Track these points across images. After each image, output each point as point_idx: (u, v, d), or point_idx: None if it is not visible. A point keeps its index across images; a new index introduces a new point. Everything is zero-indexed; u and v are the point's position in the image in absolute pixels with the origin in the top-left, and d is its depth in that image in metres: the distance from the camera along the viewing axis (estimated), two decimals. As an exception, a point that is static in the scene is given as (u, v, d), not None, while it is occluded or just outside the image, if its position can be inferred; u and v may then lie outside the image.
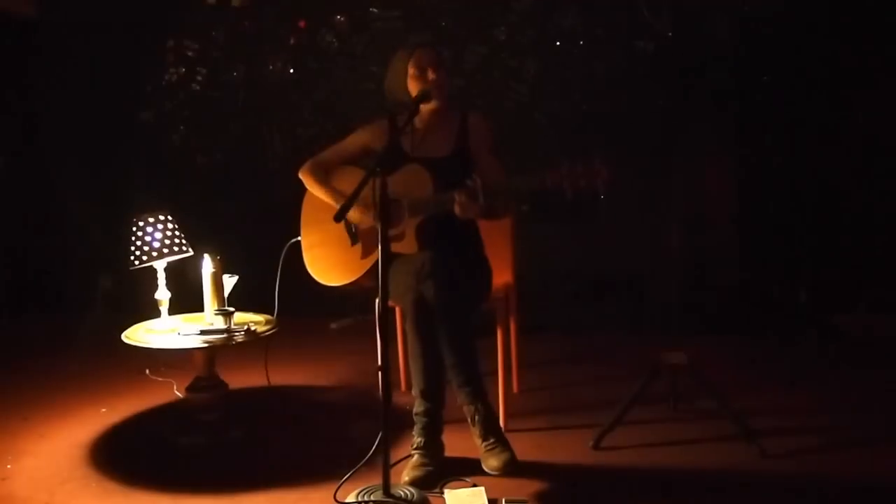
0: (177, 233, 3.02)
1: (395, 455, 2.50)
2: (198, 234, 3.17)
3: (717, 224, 4.29)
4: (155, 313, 2.97)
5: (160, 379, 3.49)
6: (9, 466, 2.63)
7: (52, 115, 5.00)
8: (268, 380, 3.06)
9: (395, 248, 2.59)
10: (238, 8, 4.71)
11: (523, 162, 3.75)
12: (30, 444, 2.83)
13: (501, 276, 2.99)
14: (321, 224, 2.78)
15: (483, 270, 2.77)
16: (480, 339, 2.52)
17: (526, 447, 2.59)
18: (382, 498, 2.21)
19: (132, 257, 2.93)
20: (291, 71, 4.73)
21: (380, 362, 2.18)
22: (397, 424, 2.68)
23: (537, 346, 3.91)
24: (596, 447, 2.65)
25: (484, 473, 2.46)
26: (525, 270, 3.22)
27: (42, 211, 5.03)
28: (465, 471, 2.46)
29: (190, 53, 4.79)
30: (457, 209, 2.45)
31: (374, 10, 4.54)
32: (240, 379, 3.24)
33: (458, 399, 2.53)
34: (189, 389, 2.86)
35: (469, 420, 2.53)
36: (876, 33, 4.02)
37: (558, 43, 4.40)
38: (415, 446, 2.50)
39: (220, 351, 2.85)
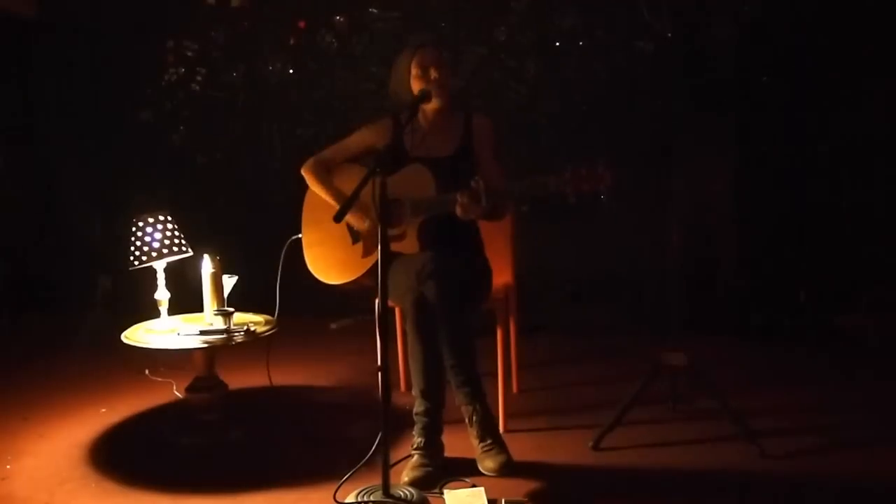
0: (176, 233, 3.02)
1: (395, 455, 2.50)
2: (197, 234, 3.17)
3: (717, 224, 4.29)
4: (154, 313, 2.97)
5: (160, 379, 3.49)
6: (8, 466, 2.63)
7: (51, 115, 5.00)
8: (269, 379, 3.06)
9: (396, 247, 2.59)
10: (238, 8, 4.71)
11: (523, 162, 3.77)
12: (29, 443, 2.83)
13: (501, 276, 2.99)
14: (322, 222, 2.78)
15: (483, 271, 2.77)
16: (480, 339, 2.52)
17: (525, 447, 2.59)
18: (382, 498, 2.21)
19: (132, 257, 2.94)
20: (291, 71, 4.73)
21: (379, 362, 2.18)
22: (397, 425, 2.68)
23: (537, 346, 3.91)
24: (596, 447, 2.65)
25: (483, 474, 2.45)
26: (525, 271, 3.22)
27: (42, 211, 5.03)
28: (465, 471, 2.46)
29: (190, 53, 4.79)
30: (458, 210, 2.46)
31: (374, 10, 4.54)
32: (239, 379, 3.24)
33: (456, 399, 2.53)
34: (189, 390, 2.86)
35: (467, 420, 2.53)
36: (876, 33, 4.02)
37: (558, 43, 4.40)
38: (414, 446, 2.50)
39: (220, 351, 2.85)
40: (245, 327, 2.77)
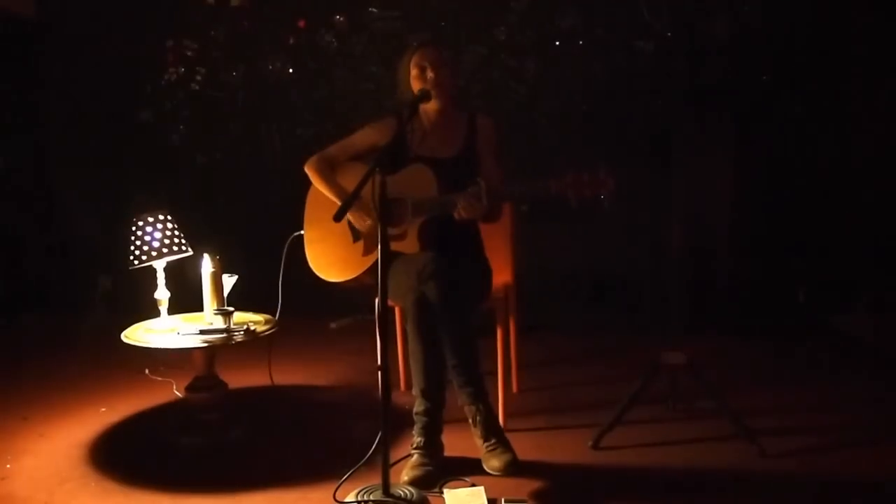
0: (176, 232, 3.02)
1: (395, 455, 2.50)
2: (197, 233, 3.17)
3: (716, 224, 4.29)
4: (154, 313, 2.97)
5: (159, 379, 3.49)
6: (8, 466, 2.62)
7: (51, 114, 5.00)
8: (271, 379, 3.05)
9: (397, 247, 2.59)
10: (237, 8, 4.71)
11: (523, 162, 3.76)
12: (29, 443, 2.83)
13: (501, 276, 3.00)
14: (324, 220, 2.78)
15: (484, 270, 2.77)
16: (480, 339, 2.52)
17: (525, 447, 2.59)
18: (382, 497, 2.21)
19: (132, 257, 2.94)
20: (291, 71, 4.73)
21: (379, 362, 2.18)
22: (397, 424, 2.68)
23: (537, 346, 3.92)
24: (595, 447, 2.66)
25: (483, 473, 2.46)
26: (524, 270, 3.22)
27: (41, 210, 5.03)
28: (465, 470, 2.46)
29: (189, 53, 4.79)
30: (459, 211, 2.46)
31: (374, 10, 4.54)
32: (239, 379, 3.24)
33: (458, 399, 2.53)
34: (188, 389, 2.86)
35: (470, 420, 2.54)
36: (875, 32, 4.03)
37: (558, 43, 4.40)
38: (414, 446, 2.50)
39: (220, 350, 2.85)
40: (245, 327, 2.77)
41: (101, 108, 4.89)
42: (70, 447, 2.78)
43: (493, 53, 4.43)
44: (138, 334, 2.81)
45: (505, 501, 2.25)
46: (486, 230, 2.85)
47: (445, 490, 2.33)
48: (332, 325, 4.46)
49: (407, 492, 2.28)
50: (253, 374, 3.45)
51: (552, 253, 4.23)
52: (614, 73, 4.31)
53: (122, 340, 2.77)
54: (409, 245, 2.63)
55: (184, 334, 2.72)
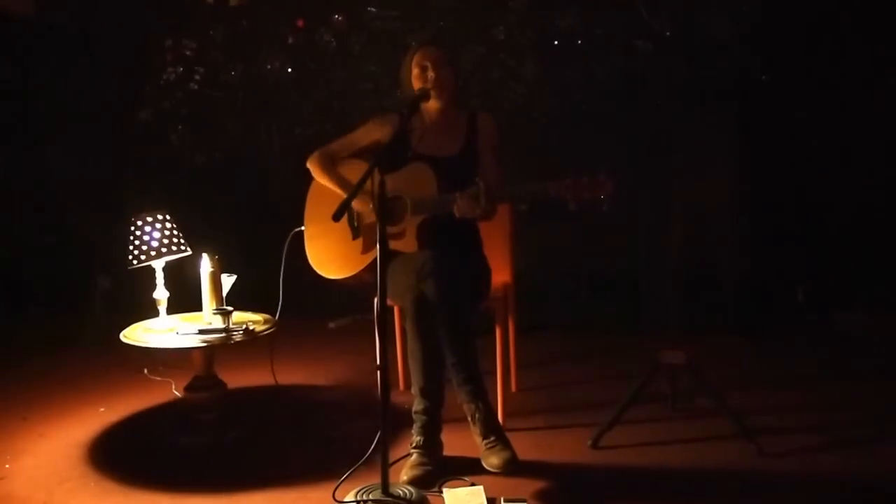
0: (175, 232, 3.02)
1: (394, 454, 2.50)
2: (196, 233, 3.17)
3: (716, 224, 4.29)
4: (153, 313, 2.97)
5: (158, 378, 3.49)
6: (7, 466, 2.62)
7: (50, 114, 4.99)
8: (274, 378, 3.05)
9: (395, 245, 2.60)
10: (236, 7, 4.70)
11: (522, 162, 3.75)
12: (28, 443, 2.83)
13: (500, 275, 3.00)
14: (324, 216, 2.77)
15: (483, 269, 2.77)
16: (479, 338, 2.52)
17: (524, 446, 2.59)
18: (381, 497, 2.21)
19: (130, 257, 2.94)
20: (290, 70, 4.73)
21: (378, 361, 2.18)
22: (396, 423, 2.68)
23: (536, 345, 3.91)
24: (594, 446, 2.66)
25: (483, 472, 2.46)
26: (524, 269, 3.22)
27: (40, 210, 5.03)
28: (464, 470, 2.46)
29: (188, 53, 4.78)
30: (456, 210, 2.46)
31: (373, 9, 4.54)
32: (238, 378, 3.24)
33: (458, 398, 2.54)
34: (187, 389, 2.86)
35: (469, 419, 2.54)
36: (875, 32, 4.03)
37: (557, 42, 4.40)
38: (414, 445, 2.50)
39: (219, 350, 2.85)
40: (244, 326, 2.77)
41: (100, 108, 4.88)
42: (69, 447, 2.78)
43: (492, 53, 4.43)
44: (137, 334, 2.81)
45: (504, 501, 2.25)
46: (485, 229, 2.85)
47: (445, 489, 2.33)
48: (331, 325, 4.45)
49: (406, 491, 2.28)
50: (252, 373, 3.45)
51: (551, 252, 4.23)
52: (613, 73, 4.31)
53: (121, 340, 2.77)
54: (407, 244, 2.63)
55: (183, 334, 2.72)
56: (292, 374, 3.57)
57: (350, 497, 2.25)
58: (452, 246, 2.61)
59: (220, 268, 2.82)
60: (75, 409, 3.18)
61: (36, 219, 5.03)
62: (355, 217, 2.77)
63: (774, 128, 4.19)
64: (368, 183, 2.23)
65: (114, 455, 2.72)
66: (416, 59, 2.69)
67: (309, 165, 2.85)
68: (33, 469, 2.60)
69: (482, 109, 2.90)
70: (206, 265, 2.80)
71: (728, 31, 4.12)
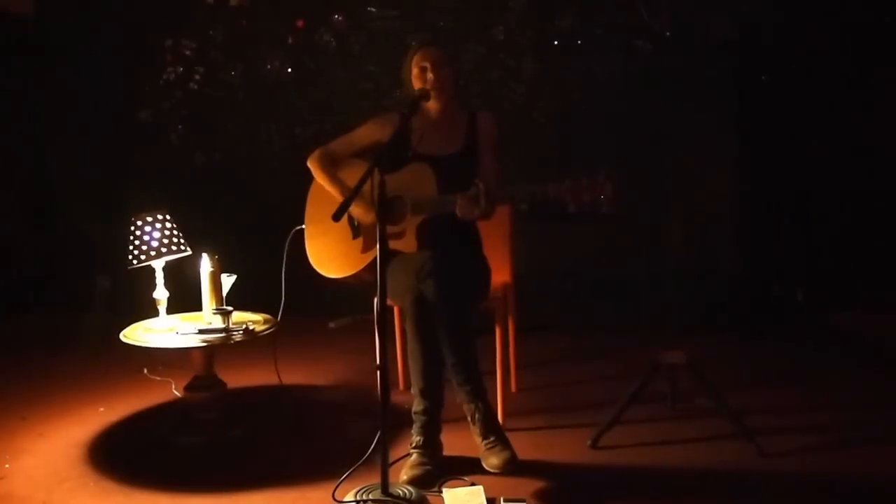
0: (175, 232, 3.02)
1: (394, 454, 2.50)
2: (196, 233, 3.17)
3: (715, 223, 4.29)
4: (153, 312, 2.97)
5: (158, 378, 3.49)
6: (7, 465, 2.62)
7: (49, 113, 5.00)
8: (279, 378, 3.05)
9: (395, 245, 2.60)
10: (236, 7, 4.71)
11: (521, 162, 3.76)
12: (28, 443, 2.83)
13: (500, 275, 3.00)
14: (325, 215, 2.77)
15: (482, 269, 2.77)
16: (478, 338, 2.52)
17: (524, 446, 2.59)
18: (381, 497, 2.21)
19: (130, 256, 2.94)
20: (289, 70, 4.73)
21: (378, 361, 2.18)
22: (396, 423, 2.68)
23: (535, 345, 3.91)
24: (594, 446, 2.66)
25: (483, 472, 2.46)
26: (523, 269, 3.22)
27: (40, 209, 5.03)
28: (464, 470, 2.46)
29: (188, 52, 4.78)
30: (457, 211, 2.46)
31: (373, 9, 4.54)
32: (238, 378, 3.24)
33: (457, 398, 2.54)
34: (187, 388, 2.86)
35: (469, 419, 2.54)
36: (874, 32, 4.03)
37: (556, 42, 4.40)
38: (413, 445, 2.50)
39: (219, 350, 2.85)
40: (244, 326, 2.77)
41: (100, 108, 4.89)
42: (69, 447, 2.78)
43: (492, 53, 4.43)
44: (137, 334, 2.81)
45: (504, 501, 2.25)
46: (485, 229, 2.85)
47: (444, 489, 2.33)
48: (331, 325, 4.46)
49: (406, 491, 2.28)
50: (252, 373, 3.45)
51: (551, 252, 4.23)
52: (613, 73, 4.31)
53: (120, 340, 2.77)
54: (407, 244, 2.63)
55: (182, 334, 2.72)
56: (292, 374, 3.56)
57: (350, 497, 2.25)
58: (452, 246, 2.61)
59: (220, 268, 2.82)
60: (75, 408, 3.18)
61: (36, 218, 5.03)
62: (355, 216, 2.77)
63: (774, 128, 4.19)
64: (368, 186, 2.23)
65: (113, 455, 2.72)
66: (415, 59, 2.70)
67: (309, 165, 2.85)
68: (33, 468, 2.60)
69: (482, 109, 2.90)
70: (205, 265, 2.80)
71: (727, 31, 4.12)
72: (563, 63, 4.38)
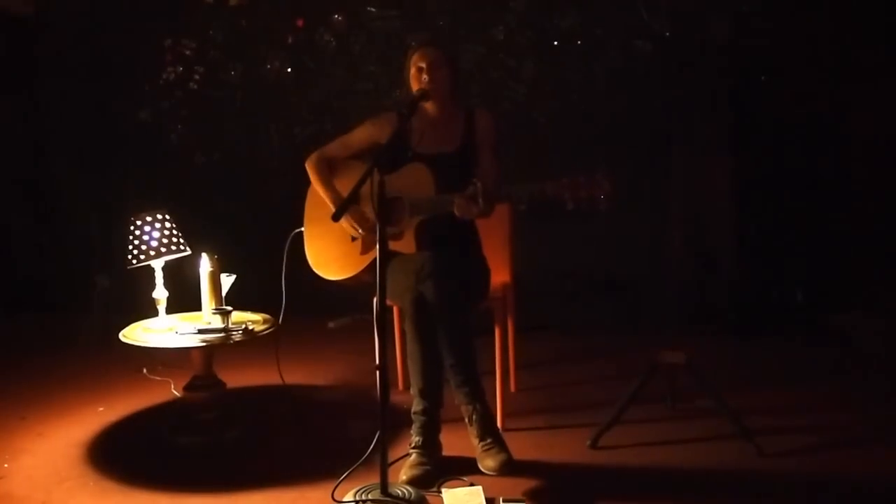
0: (174, 232, 3.02)
1: (393, 454, 2.50)
2: (195, 233, 3.17)
3: (715, 224, 4.29)
4: (153, 312, 2.97)
5: (158, 378, 3.49)
6: (6, 465, 2.62)
7: (49, 113, 4.99)
8: (281, 378, 3.05)
9: (394, 246, 2.60)
10: (236, 7, 4.70)
11: (521, 162, 3.76)
12: (27, 442, 2.83)
13: (499, 275, 3.00)
14: (324, 217, 2.78)
15: (482, 270, 2.77)
16: (478, 338, 2.52)
17: (523, 446, 2.59)
18: (380, 497, 2.21)
19: (130, 256, 2.93)
20: (289, 70, 4.73)
21: (377, 361, 2.18)
22: (395, 423, 2.68)
23: (535, 345, 3.91)
24: (593, 446, 2.66)
25: (482, 473, 2.46)
26: (523, 270, 3.22)
27: (39, 210, 5.03)
28: (463, 470, 2.46)
29: (188, 52, 4.78)
30: (455, 210, 2.46)
31: (372, 9, 4.54)
32: (238, 378, 3.24)
33: (455, 399, 2.53)
34: (187, 388, 2.86)
35: (466, 420, 2.54)
36: (874, 32, 4.03)
37: (556, 43, 4.40)
38: (413, 445, 2.50)
39: (218, 350, 2.85)
40: (243, 326, 2.77)
41: (100, 108, 4.89)
42: (68, 446, 2.78)
43: (492, 53, 4.43)
44: (136, 333, 2.81)
45: (503, 501, 2.25)
46: (484, 229, 2.85)
47: (444, 489, 2.33)
48: (331, 325, 4.45)
49: (405, 491, 2.28)
50: (251, 373, 3.45)
51: (551, 252, 4.23)
52: (613, 73, 4.31)
53: (120, 340, 2.77)
54: (406, 244, 2.63)
55: (182, 334, 2.72)
56: (292, 374, 3.56)
57: (349, 497, 2.25)
58: (451, 247, 2.61)
59: (220, 267, 2.82)
60: (74, 408, 3.18)
61: (35, 218, 5.03)
62: (351, 225, 2.77)
63: (774, 128, 4.19)
64: (364, 190, 2.23)
65: (113, 454, 2.72)
66: (413, 59, 2.70)
67: (307, 168, 2.86)
68: (32, 468, 2.60)
69: (481, 108, 2.90)
70: (205, 265, 2.79)
71: (727, 32, 4.12)
72: (563, 63, 4.38)
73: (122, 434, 2.93)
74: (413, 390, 2.55)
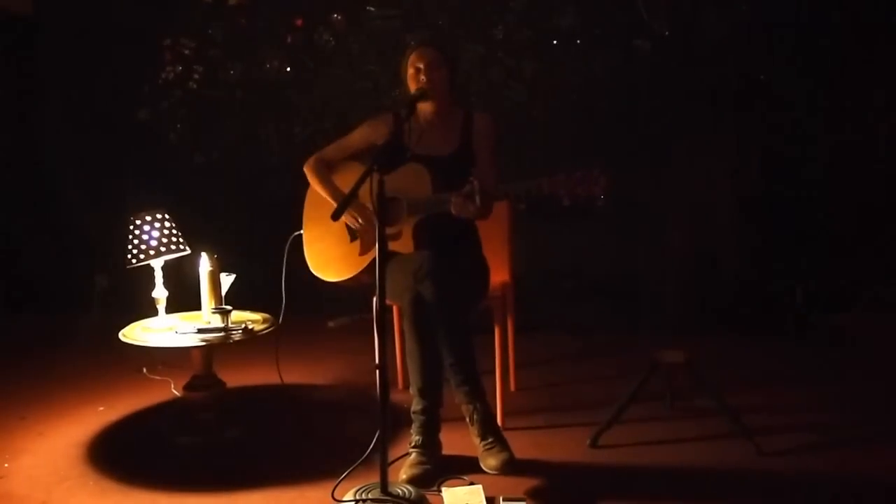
0: (174, 231, 3.02)
1: (393, 453, 2.50)
2: (195, 232, 3.17)
3: (715, 223, 4.29)
4: (152, 312, 2.97)
5: (157, 377, 3.49)
6: (6, 465, 2.62)
7: (48, 113, 4.99)
8: (280, 378, 3.05)
9: (393, 246, 2.60)
10: (235, 6, 4.70)
11: (520, 161, 3.76)
12: (27, 442, 2.83)
13: (499, 274, 3.00)
14: (322, 219, 2.79)
15: (481, 269, 2.77)
16: (478, 337, 2.52)
17: (523, 445, 2.60)
18: (380, 496, 2.21)
19: (129, 256, 2.93)
20: (288, 70, 4.72)
21: (377, 361, 2.18)
22: (395, 423, 2.69)
23: (535, 344, 3.92)
24: (593, 445, 2.66)
25: (482, 472, 2.46)
26: (523, 269, 3.22)
27: (39, 209, 5.03)
28: (463, 469, 2.46)
29: (187, 52, 4.78)
30: (452, 210, 2.46)
31: (372, 8, 4.54)
32: (237, 377, 3.24)
33: (456, 398, 2.54)
34: (186, 388, 2.86)
35: (467, 419, 2.54)
36: (874, 30, 4.03)
37: (555, 42, 4.40)
38: (413, 444, 2.50)
39: (218, 349, 2.85)
40: (243, 325, 2.77)
41: (99, 107, 4.89)
42: (68, 446, 2.78)
43: (491, 52, 4.43)
44: (136, 333, 2.81)
45: (503, 500, 2.25)
46: (484, 229, 2.85)
47: (444, 489, 2.33)
48: (331, 324, 4.46)
49: (405, 490, 2.28)
50: (251, 372, 3.45)
51: (550, 252, 4.24)
52: (612, 72, 4.31)
53: (119, 339, 2.77)
54: (404, 244, 2.63)
55: (182, 333, 2.72)
56: (291, 374, 3.56)
57: (349, 496, 2.25)
58: (449, 246, 2.61)
59: (219, 267, 2.82)
60: (74, 408, 3.18)
61: (34, 217, 5.03)
62: (349, 223, 2.77)
63: (774, 128, 4.19)
64: (362, 190, 2.23)
65: (113, 454, 2.72)
66: (411, 59, 2.70)
67: (305, 172, 2.87)
68: (32, 468, 2.60)
69: (482, 109, 2.90)
70: (205, 264, 2.80)
71: (728, 31, 4.12)
72: (563, 63, 4.38)
73: (122, 433, 2.93)
74: (412, 389, 2.55)
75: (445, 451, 2.55)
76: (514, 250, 3.15)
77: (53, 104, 4.98)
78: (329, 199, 2.77)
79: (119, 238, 3.09)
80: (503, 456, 2.47)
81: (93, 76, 4.87)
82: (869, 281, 4.11)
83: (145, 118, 4.88)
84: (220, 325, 2.73)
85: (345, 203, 2.25)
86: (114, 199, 4.69)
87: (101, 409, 3.17)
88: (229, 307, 2.78)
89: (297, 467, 2.55)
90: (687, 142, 4.24)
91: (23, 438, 2.86)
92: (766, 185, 4.23)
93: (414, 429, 2.53)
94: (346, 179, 2.78)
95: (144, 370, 3.58)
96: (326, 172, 2.83)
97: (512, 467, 2.45)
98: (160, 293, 2.97)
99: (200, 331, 2.73)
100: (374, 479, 2.25)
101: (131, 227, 2.96)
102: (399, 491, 2.26)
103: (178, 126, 4.89)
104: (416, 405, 2.54)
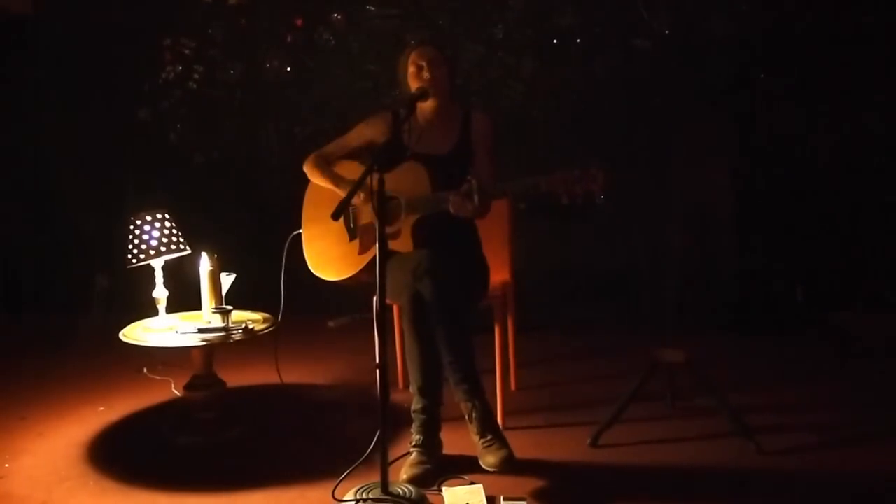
0: (174, 231, 3.02)
1: (394, 453, 2.50)
2: (195, 232, 3.17)
3: (715, 222, 4.29)
4: (153, 312, 2.97)
5: (158, 377, 3.49)
6: (7, 465, 2.62)
7: (48, 112, 4.99)
8: (280, 377, 3.05)
9: (392, 245, 2.60)
10: (235, 6, 4.70)
11: (520, 160, 3.76)
12: (28, 442, 2.83)
13: (499, 273, 3.00)
14: (321, 218, 2.78)
15: (480, 268, 2.77)
16: (478, 336, 2.52)
17: (524, 445, 2.59)
18: (381, 496, 2.21)
19: (130, 256, 2.94)
20: (288, 69, 4.72)
21: (377, 360, 2.18)
22: (395, 422, 2.68)
23: (535, 343, 3.91)
24: (593, 444, 2.66)
25: (482, 471, 2.46)
26: (523, 268, 3.22)
27: (39, 209, 5.03)
28: (464, 468, 2.46)
29: (187, 51, 4.78)
30: (451, 208, 2.46)
31: (371, 8, 4.54)
32: (238, 377, 3.24)
33: (455, 396, 2.54)
34: (187, 388, 2.86)
35: (466, 417, 2.54)
36: (874, 30, 4.03)
37: (555, 41, 4.40)
38: (413, 444, 2.50)
39: (218, 349, 2.85)
40: (243, 325, 2.77)
41: (99, 107, 4.88)
42: (68, 446, 2.78)
43: (491, 52, 4.43)
44: (136, 333, 2.81)
45: (504, 499, 2.25)
46: (484, 228, 2.85)
47: (444, 488, 2.33)
48: (331, 324, 4.45)
49: (405, 490, 2.28)
50: (251, 372, 3.45)
51: (550, 251, 4.23)
52: (612, 72, 4.31)
53: (120, 339, 2.77)
54: (403, 243, 2.63)
55: (182, 333, 2.72)
56: (292, 373, 3.56)
57: (349, 496, 2.25)
58: (448, 245, 2.61)
59: (220, 266, 2.82)
60: (74, 408, 3.18)
61: (34, 217, 5.03)
62: (351, 218, 2.77)
63: (774, 127, 4.19)
64: (362, 190, 2.23)
65: (113, 454, 2.72)
66: (412, 58, 2.70)
67: (305, 168, 2.87)
68: (32, 468, 2.60)
69: (481, 109, 2.90)
70: (205, 264, 2.80)
71: (728, 31, 4.12)
72: (563, 62, 4.38)
73: (122, 433, 2.94)
74: (412, 388, 2.55)
75: (446, 450, 2.55)
76: (514, 249, 3.15)
77: (53, 103, 4.97)
78: (331, 186, 2.76)
79: (119, 238, 3.09)
80: (502, 453, 2.47)
81: (93, 76, 4.86)
82: (869, 280, 4.10)
83: (145, 118, 4.88)
84: (221, 324, 2.73)
85: (345, 203, 2.25)
86: (114, 198, 4.69)
87: (101, 409, 3.17)
88: (229, 307, 2.78)
89: (297, 467, 2.55)
90: (687, 142, 4.23)
91: (23, 438, 2.86)
92: (766, 185, 4.22)
93: (414, 428, 2.53)
94: (344, 175, 2.78)
95: (145, 370, 3.58)
96: (326, 165, 2.84)
97: (511, 465, 2.45)
98: (160, 293, 2.97)
99: (201, 331, 2.73)
100: (375, 478, 2.25)
101: (131, 227, 2.96)
102: (399, 490, 2.26)
103: (178, 126, 4.89)
104: (416, 404, 2.54)
